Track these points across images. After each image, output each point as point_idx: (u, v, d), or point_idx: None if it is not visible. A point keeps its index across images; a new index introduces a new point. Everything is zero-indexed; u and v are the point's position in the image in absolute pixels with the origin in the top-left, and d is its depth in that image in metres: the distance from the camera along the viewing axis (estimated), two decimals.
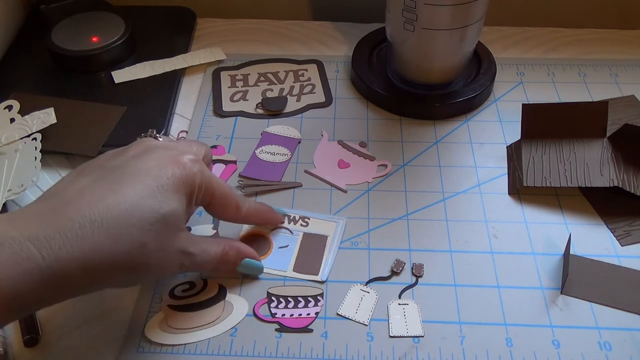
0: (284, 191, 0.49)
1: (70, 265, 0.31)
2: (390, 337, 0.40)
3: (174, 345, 0.40)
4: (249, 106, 0.58)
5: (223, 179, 0.50)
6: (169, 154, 0.37)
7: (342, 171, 0.51)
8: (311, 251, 0.45)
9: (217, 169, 0.51)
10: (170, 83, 0.59)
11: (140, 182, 0.34)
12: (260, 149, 0.53)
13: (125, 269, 0.34)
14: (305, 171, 0.50)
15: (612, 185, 0.47)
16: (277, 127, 0.55)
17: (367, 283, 0.43)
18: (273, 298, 0.42)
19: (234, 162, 0.52)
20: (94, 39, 0.60)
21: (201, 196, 0.38)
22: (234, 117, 0.56)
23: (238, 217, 0.42)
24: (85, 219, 0.32)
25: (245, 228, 0.47)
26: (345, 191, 0.49)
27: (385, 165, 0.51)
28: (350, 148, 0.53)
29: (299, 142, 0.54)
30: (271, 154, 0.52)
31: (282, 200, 0.49)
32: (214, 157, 0.52)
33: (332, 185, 0.49)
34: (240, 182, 0.50)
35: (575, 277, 0.43)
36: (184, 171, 0.36)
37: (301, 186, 0.50)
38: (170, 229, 0.35)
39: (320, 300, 0.42)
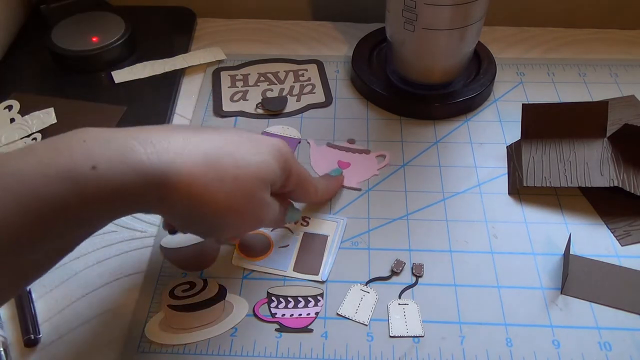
0: None
1: (169, 170, 0.31)
2: (390, 337, 0.40)
3: (174, 345, 0.40)
4: (249, 106, 0.58)
5: None
6: (260, 135, 0.39)
7: (345, 171, 0.50)
8: (311, 251, 0.45)
9: None
10: (170, 83, 0.59)
11: (241, 137, 0.36)
12: None
13: (214, 195, 0.34)
14: None
15: (612, 185, 0.47)
16: (277, 127, 0.55)
17: (367, 283, 0.43)
18: (273, 298, 0.42)
19: None
20: (94, 39, 0.60)
21: (292, 179, 0.39)
22: (234, 117, 0.56)
23: (315, 199, 0.45)
24: (188, 141, 0.33)
25: None
26: (359, 189, 0.49)
27: (384, 156, 0.51)
28: (342, 147, 0.53)
29: (299, 142, 0.54)
30: None
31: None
32: None
33: (344, 187, 0.49)
34: None
35: (575, 277, 0.43)
36: (278, 146, 0.38)
37: None
38: (261, 176, 0.36)
39: (320, 300, 0.42)
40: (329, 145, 0.53)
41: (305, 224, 0.47)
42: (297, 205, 0.44)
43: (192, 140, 0.34)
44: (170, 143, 0.32)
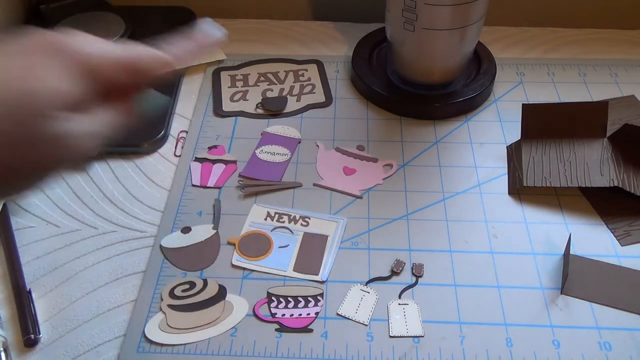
0: (284, 191, 0.49)
1: None
2: (390, 337, 0.40)
3: (174, 345, 0.40)
4: (249, 106, 0.58)
5: (223, 179, 0.50)
6: (55, 36, 0.30)
7: (350, 177, 0.50)
8: (311, 251, 0.45)
9: (217, 169, 0.51)
10: (170, 83, 0.59)
11: (28, 55, 0.29)
12: (260, 149, 0.53)
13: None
14: (314, 184, 0.50)
15: (612, 185, 0.47)
16: (277, 127, 0.55)
17: (367, 283, 0.43)
18: (273, 298, 0.42)
19: (234, 162, 0.52)
20: None
21: (108, 72, 0.31)
22: (234, 117, 0.56)
23: (170, 66, 0.34)
24: None
25: (246, 228, 0.47)
26: (360, 197, 0.49)
27: (391, 165, 0.51)
28: (350, 153, 0.53)
29: (299, 142, 0.54)
30: (271, 154, 0.52)
31: (282, 200, 0.49)
32: (214, 157, 0.52)
33: (345, 193, 0.49)
34: (241, 182, 0.50)
35: (575, 277, 0.43)
36: (71, 49, 0.30)
37: (301, 186, 0.50)
38: (37, 109, 0.28)
39: (320, 300, 0.42)
40: (338, 150, 0.53)
41: (305, 224, 0.47)
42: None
43: None
44: None
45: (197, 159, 0.52)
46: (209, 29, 0.37)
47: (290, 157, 0.52)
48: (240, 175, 0.51)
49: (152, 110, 0.35)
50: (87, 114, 0.31)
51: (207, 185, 0.50)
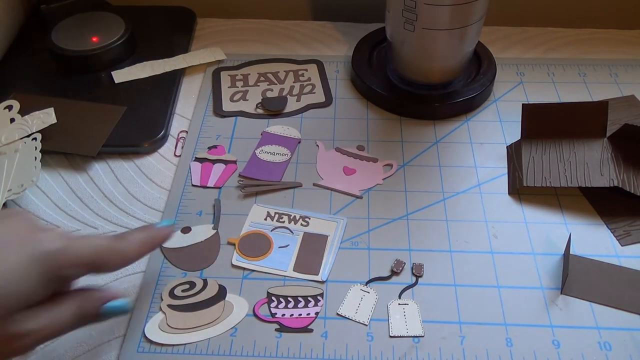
0: (284, 191, 0.49)
1: None
2: (390, 337, 0.40)
3: (174, 345, 0.40)
4: (249, 106, 0.58)
5: (223, 179, 0.50)
6: (29, 230, 0.32)
7: (350, 177, 0.50)
8: (311, 251, 0.45)
9: (217, 169, 0.51)
10: (170, 83, 0.59)
11: None
12: (260, 149, 0.53)
13: None
14: (314, 184, 0.50)
15: (612, 185, 0.47)
16: (277, 127, 0.55)
17: (367, 283, 0.43)
18: (273, 298, 0.42)
19: (234, 162, 0.52)
20: (94, 39, 0.60)
21: (72, 272, 0.33)
22: (234, 117, 0.56)
23: (129, 260, 0.36)
24: None
25: (246, 228, 0.47)
26: (360, 197, 0.49)
27: (391, 165, 0.51)
28: (350, 153, 0.53)
29: (299, 142, 0.54)
30: (271, 153, 0.52)
31: (282, 200, 0.49)
32: (214, 157, 0.52)
33: (345, 193, 0.49)
34: (240, 182, 0.50)
35: (575, 277, 0.43)
36: (39, 248, 0.31)
37: (301, 186, 0.50)
38: (2, 309, 0.29)
39: (320, 300, 0.42)
40: (338, 150, 0.53)
41: (305, 224, 0.47)
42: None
43: None
44: None
45: (197, 159, 0.52)
46: (162, 223, 0.40)
47: (290, 157, 0.52)
48: (240, 175, 0.51)
49: (111, 312, 0.36)
50: (46, 310, 0.32)
51: (207, 185, 0.50)
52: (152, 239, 0.38)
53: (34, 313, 0.31)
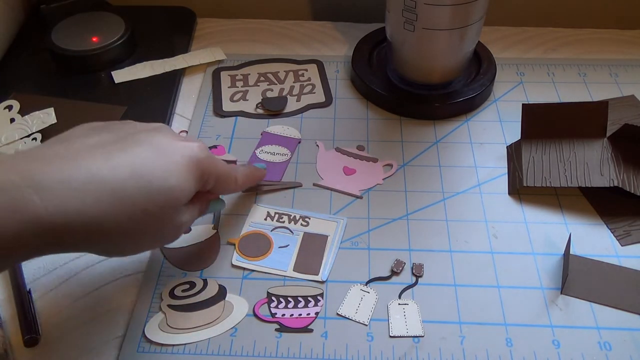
0: (284, 191, 0.49)
1: (72, 219, 0.30)
2: (390, 337, 0.40)
3: (174, 345, 0.40)
4: (249, 106, 0.58)
5: None
6: (180, 138, 0.37)
7: (350, 178, 0.50)
8: (311, 251, 0.45)
9: None
10: (170, 83, 0.59)
11: (153, 152, 0.34)
12: (260, 149, 0.53)
13: (123, 231, 0.32)
14: (314, 184, 0.50)
15: (612, 185, 0.47)
16: (277, 127, 0.55)
17: (367, 283, 0.43)
18: (273, 298, 0.42)
19: (234, 162, 0.52)
20: (94, 39, 0.60)
21: (211, 181, 0.38)
22: (234, 117, 0.56)
23: (237, 189, 0.44)
24: (93, 175, 0.31)
25: (246, 228, 0.47)
26: (360, 197, 0.49)
27: (391, 165, 0.51)
28: (350, 153, 0.53)
29: (299, 142, 0.54)
30: (271, 153, 0.52)
31: (282, 200, 0.49)
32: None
33: (345, 193, 0.49)
34: None
35: (575, 277, 0.43)
36: (194, 154, 0.36)
37: (301, 186, 0.50)
38: (174, 202, 0.34)
39: (320, 300, 0.42)
40: (338, 150, 0.53)
41: (305, 223, 0.47)
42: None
43: (96, 172, 0.31)
44: (70, 182, 0.30)
45: None
46: (258, 165, 0.48)
47: (290, 157, 0.52)
48: None
49: (214, 211, 0.46)
50: (191, 205, 0.38)
51: None
52: (254, 175, 0.46)
53: (187, 207, 0.37)
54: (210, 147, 0.53)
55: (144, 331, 0.40)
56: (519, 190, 0.49)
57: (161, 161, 0.34)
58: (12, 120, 0.52)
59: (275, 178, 0.50)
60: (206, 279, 0.43)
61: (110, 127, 0.36)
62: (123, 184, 0.32)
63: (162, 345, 0.40)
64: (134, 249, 0.36)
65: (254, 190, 0.49)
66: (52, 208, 0.29)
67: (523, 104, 0.51)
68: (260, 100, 0.58)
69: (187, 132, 0.55)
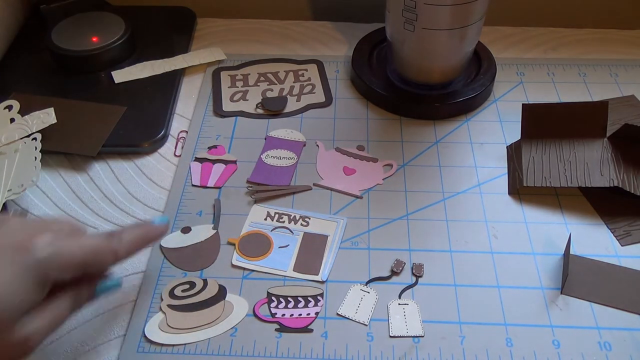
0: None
1: None
2: (390, 337, 0.40)
3: (174, 345, 0.40)
4: (249, 106, 0.58)
5: (223, 179, 0.50)
6: (18, 237, 0.33)
7: (350, 177, 0.50)
8: (311, 251, 0.45)
9: (217, 169, 0.51)
10: (170, 83, 0.59)
11: None
12: (266, 153, 0.53)
13: None
14: (314, 184, 0.50)
15: (612, 185, 0.47)
16: (281, 131, 0.55)
17: (367, 283, 0.43)
18: (273, 298, 0.42)
19: (234, 162, 0.52)
20: (94, 39, 0.60)
21: (66, 274, 0.34)
22: (234, 117, 0.56)
23: (120, 259, 0.37)
24: None
25: (246, 228, 0.47)
26: (360, 197, 0.49)
27: (391, 165, 0.51)
28: (350, 153, 0.52)
29: (304, 145, 0.54)
30: (277, 158, 0.52)
31: (282, 200, 0.49)
32: (214, 157, 0.52)
33: (345, 193, 0.49)
34: (250, 188, 0.49)
35: (575, 277, 0.43)
36: (29, 258, 0.32)
37: (311, 189, 0.49)
38: (10, 320, 0.31)
39: (320, 300, 0.42)
40: (338, 150, 0.53)
41: (305, 224, 0.47)
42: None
43: None
44: None
45: (197, 159, 0.52)
46: (157, 220, 0.40)
47: (297, 161, 0.52)
48: (248, 181, 0.50)
49: (108, 291, 0.38)
50: (44, 308, 0.33)
51: (207, 185, 0.50)
52: (146, 237, 0.39)
53: (33, 315, 0.32)
54: (210, 147, 0.53)
55: (144, 331, 0.40)
56: (519, 190, 0.49)
57: None
58: (12, 120, 0.52)
59: (284, 182, 0.50)
60: (206, 279, 0.43)
61: None
62: None
63: (162, 345, 0.40)
64: None
65: (265, 198, 0.49)
66: None
67: (523, 104, 0.51)
68: (260, 100, 0.58)
69: (187, 132, 0.55)
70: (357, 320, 0.41)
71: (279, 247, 0.45)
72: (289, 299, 0.42)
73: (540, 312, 0.41)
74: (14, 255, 0.31)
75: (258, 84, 0.60)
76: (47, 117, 0.52)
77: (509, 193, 0.49)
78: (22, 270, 0.31)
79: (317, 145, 0.53)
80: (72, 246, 0.34)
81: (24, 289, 0.31)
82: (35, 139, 0.50)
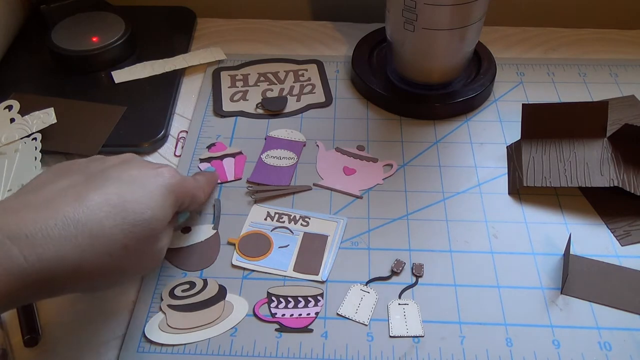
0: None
1: (54, 266, 0.31)
2: (390, 337, 0.40)
3: (174, 345, 0.40)
4: (249, 106, 0.58)
5: (239, 169, 0.51)
6: (149, 166, 0.38)
7: (350, 178, 0.50)
8: (311, 251, 0.45)
9: (228, 163, 0.51)
10: (170, 83, 0.59)
11: (125, 186, 0.35)
12: (266, 153, 0.53)
13: (105, 269, 0.33)
14: (314, 184, 0.50)
15: (612, 185, 0.47)
16: (281, 131, 0.55)
17: (367, 283, 0.43)
18: (273, 298, 0.42)
19: (240, 152, 0.52)
20: (94, 39, 0.60)
21: (186, 201, 0.40)
22: (234, 117, 0.56)
23: (205, 199, 0.45)
24: (69, 218, 0.32)
25: (246, 228, 0.47)
26: (360, 197, 0.49)
27: (391, 165, 0.51)
28: (350, 153, 0.52)
29: (304, 145, 0.54)
30: (277, 158, 0.52)
31: (282, 200, 0.49)
32: (214, 155, 0.52)
33: (345, 193, 0.49)
34: (250, 188, 0.49)
35: (575, 277, 0.43)
36: (166, 181, 0.37)
37: (311, 189, 0.50)
38: (153, 233, 0.35)
39: (320, 300, 0.42)
40: (338, 150, 0.53)
41: (305, 223, 0.47)
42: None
43: (71, 216, 0.32)
44: (47, 230, 0.31)
45: (202, 160, 0.52)
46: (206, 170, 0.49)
47: (297, 161, 0.52)
48: (248, 181, 0.50)
49: (184, 219, 0.45)
50: (168, 227, 0.38)
51: (228, 180, 0.50)
52: (212, 179, 0.47)
53: (164, 232, 0.38)
54: (209, 147, 0.53)
55: (144, 331, 0.40)
56: (519, 190, 0.49)
57: (135, 195, 0.35)
58: (12, 120, 0.52)
59: (284, 182, 0.50)
60: (206, 279, 0.43)
61: (78, 167, 0.37)
62: (100, 223, 0.32)
63: (162, 345, 0.40)
64: (119, 282, 0.38)
65: (265, 198, 0.49)
66: (32, 258, 0.30)
67: (523, 104, 0.51)
68: (260, 100, 0.58)
69: (187, 132, 0.55)
70: (357, 320, 0.41)
71: (279, 247, 0.45)
72: (289, 299, 0.42)
73: (540, 312, 0.41)
74: (157, 179, 0.37)
75: (258, 84, 0.60)
76: (47, 117, 0.52)
77: (509, 193, 0.49)
78: (167, 190, 0.37)
79: (317, 145, 0.53)
80: (187, 179, 0.41)
81: (169, 206, 0.37)
82: (35, 139, 0.50)
